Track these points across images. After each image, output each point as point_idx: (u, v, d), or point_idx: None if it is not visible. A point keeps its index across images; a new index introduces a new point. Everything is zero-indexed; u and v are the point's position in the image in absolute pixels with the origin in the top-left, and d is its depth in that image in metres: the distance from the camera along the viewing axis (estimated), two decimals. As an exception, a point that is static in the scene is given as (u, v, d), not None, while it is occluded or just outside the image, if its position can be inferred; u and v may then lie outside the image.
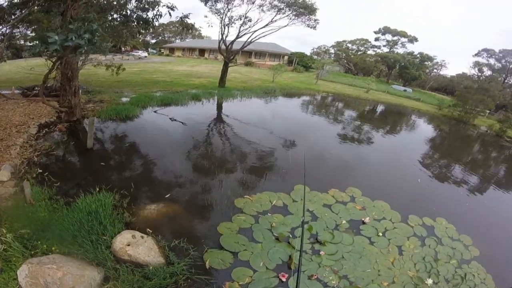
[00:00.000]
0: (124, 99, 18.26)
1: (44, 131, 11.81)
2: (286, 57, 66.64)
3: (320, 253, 7.30)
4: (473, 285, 7.61)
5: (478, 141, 29.30)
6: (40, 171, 8.63)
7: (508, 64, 55.18)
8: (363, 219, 9.12)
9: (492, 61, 57.41)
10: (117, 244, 5.99)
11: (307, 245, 7.50)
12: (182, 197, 8.81)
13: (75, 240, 5.98)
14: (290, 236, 7.74)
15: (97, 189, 7.86)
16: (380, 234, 8.63)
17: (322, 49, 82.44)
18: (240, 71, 44.31)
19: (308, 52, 75.32)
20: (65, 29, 8.14)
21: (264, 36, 26.83)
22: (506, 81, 55.55)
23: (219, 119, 19.14)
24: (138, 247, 6.00)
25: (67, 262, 5.27)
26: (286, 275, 6.36)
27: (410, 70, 64.91)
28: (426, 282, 7.29)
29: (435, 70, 79.54)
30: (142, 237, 6.33)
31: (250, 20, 25.82)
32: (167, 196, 8.50)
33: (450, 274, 7.87)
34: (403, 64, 65.97)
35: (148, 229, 6.81)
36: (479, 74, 57.86)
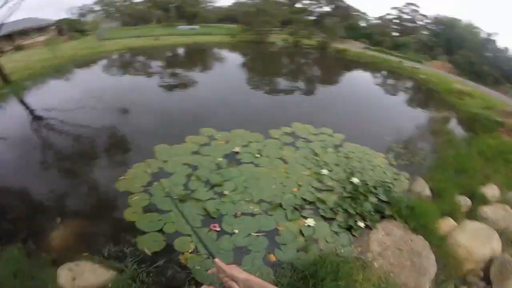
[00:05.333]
0: None
1: None
2: (54, 28, 57.16)
3: (224, 192, 7.86)
4: (359, 158, 10.15)
5: (283, 54, 33.41)
6: None
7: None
8: (233, 150, 9.98)
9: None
10: (66, 285, 5.62)
11: (209, 193, 7.88)
12: (70, 208, 7.83)
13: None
14: (189, 192, 8.01)
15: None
16: (258, 155, 9.80)
17: (85, 9, 73.46)
18: (15, 58, 35.45)
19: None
20: None
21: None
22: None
23: (34, 117, 15.44)
24: (83, 274, 5.82)
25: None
26: (217, 224, 6.81)
27: (186, 8, 65.69)
28: (322, 172, 9.21)
29: (209, 3, 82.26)
30: (77, 264, 6.06)
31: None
32: (58, 221, 7.26)
33: (334, 159, 10.05)
34: (177, 4, 65.91)
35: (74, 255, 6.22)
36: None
